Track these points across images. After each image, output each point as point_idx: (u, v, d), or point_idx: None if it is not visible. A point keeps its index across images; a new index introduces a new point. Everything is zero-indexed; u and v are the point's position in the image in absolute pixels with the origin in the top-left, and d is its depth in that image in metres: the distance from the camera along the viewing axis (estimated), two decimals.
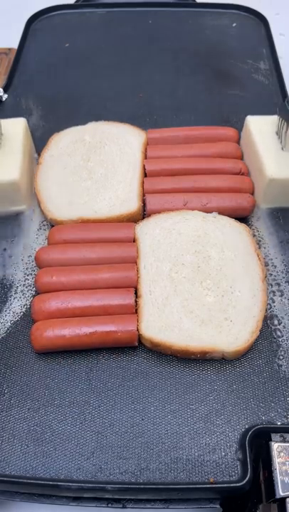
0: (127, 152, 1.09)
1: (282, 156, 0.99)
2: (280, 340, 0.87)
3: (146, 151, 1.10)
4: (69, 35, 1.46)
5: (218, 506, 0.77)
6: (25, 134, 1.08)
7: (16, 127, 1.07)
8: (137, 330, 0.84)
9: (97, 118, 1.16)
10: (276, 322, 0.89)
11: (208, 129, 1.14)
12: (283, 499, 0.70)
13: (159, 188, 1.03)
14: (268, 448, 0.74)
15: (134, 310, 0.87)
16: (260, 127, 1.05)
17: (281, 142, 1.00)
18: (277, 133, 1.02)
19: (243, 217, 1.02)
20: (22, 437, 0.78)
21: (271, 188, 0.98)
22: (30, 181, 1.06)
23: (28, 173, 1.06)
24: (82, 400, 0.82)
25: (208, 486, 0.73)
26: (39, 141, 1.15)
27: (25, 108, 1.25)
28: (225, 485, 0.73)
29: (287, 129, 0.98)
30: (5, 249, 1.00)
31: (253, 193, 1.03)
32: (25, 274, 0.96)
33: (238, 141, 1.13)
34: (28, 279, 0.96)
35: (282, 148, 1.00)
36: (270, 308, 0.91)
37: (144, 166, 1.06)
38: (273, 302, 0.91)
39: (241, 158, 1.10)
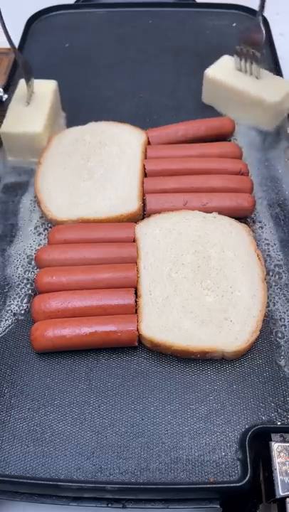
0: (127, 152, 1.08)
1: (263, 83, 1.13)
2: (280, 340, 0.87)
3: (146, 151, 1.10)
4: (69, 35, 1.46)
5: (218, 506, 0.77)
6: (54, 94, 1.18)
7: (47, 87, 1.18)
8: (137, 330, 0.84)
9: (97, 118, 1.16)
10: (276, 322, 0.89)
11: (205, 121, 1.15)
12: (283, 499, 0.70)
13: (159, 188, 1.03)
14: (268, 448, 0.74)
15: (134, 310, 0.87)
16: (221, 72, 1.17)
17: (254, 74, 1.15)
18: (239, 69, 1.17)
19: (243, 217, 1.02)
20: (22, 437, 0.78)
21: (271, 110, 1.11)
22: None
23: (51, 129, 1.15)
24: (82, 400, 0.82)
25: (208, 486, 0.73)
26: None
27: None
28: (225, 485, 0.73)
29: (252, 63, 1.14)
30: (5, 250, 1.00)
31: (251, 192, 1.03)
32: (25, 274, 0.96)
33: (233, 128, 1.16)
34: (28, 279, 0.96)
35: (257, 78, 1.15)
36: (270, 308, 0.91)
37: (144, 166, 1.06)
38: (273, 302, 0.91)
39: (241, 157, 1.11)
